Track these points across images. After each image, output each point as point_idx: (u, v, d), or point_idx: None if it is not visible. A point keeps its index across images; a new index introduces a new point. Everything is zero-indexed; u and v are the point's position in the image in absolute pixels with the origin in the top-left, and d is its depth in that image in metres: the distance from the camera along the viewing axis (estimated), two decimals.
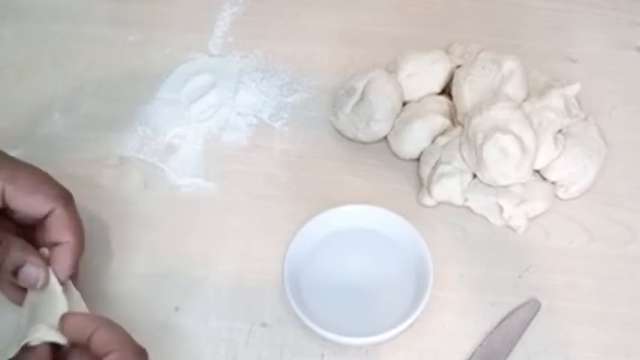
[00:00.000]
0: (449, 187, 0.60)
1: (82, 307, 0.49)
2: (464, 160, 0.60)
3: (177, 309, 0.56)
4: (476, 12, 0.77)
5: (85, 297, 0.51)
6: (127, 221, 0.60)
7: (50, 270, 0.49)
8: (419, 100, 0.66)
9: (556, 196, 0.61)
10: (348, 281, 0.55)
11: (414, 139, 0.63)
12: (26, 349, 0.43)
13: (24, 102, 0.69)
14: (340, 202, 0.58)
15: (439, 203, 0.61)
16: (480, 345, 0.53)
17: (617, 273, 0.58)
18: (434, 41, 0.70)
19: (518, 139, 0.57)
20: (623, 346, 0.54)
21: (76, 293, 0.50)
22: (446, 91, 0.66)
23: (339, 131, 0.66)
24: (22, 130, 0.67)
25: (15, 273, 0.48)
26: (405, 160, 0.64)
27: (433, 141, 0.63)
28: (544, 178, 0.61)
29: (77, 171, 0.64)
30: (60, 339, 0.44)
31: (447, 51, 0.69)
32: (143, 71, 0.71)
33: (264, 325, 0.55)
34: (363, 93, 0.64)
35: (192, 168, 0.64)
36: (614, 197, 0.62)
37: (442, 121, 0.63)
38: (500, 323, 0.55)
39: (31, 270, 0.48)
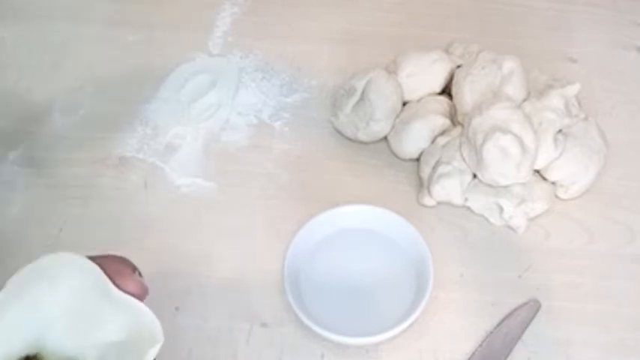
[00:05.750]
0: (449, 187, 0.60)
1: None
2: (464, 160, 0.60)
3: (177, 309, 0.56)
4: (476, 12, 0.77)
5: None
6: (127, 221, 0.60)
7: None
8: (419, 100, 0.66)
9: (556, 196, 0.61)
10: (348, 281, 0.55)
11: (414, 139, 0.63)
12: None
13: (24, 102, 0.69)
14: (340, 202, 0.58)
15: (439, 203, 0.61)
16: (480, 345, 0.53)
17: (617, 273, 0.58)
18: (434, 41, 0.70)
19: (518, 139, 0.57)
20: (623, 346, 0.54)
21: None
22: (446, 91, 0.66)
23: (339, 131, 0.66)
24: (22, 130, 0.67)
25: None
26: (405, 160, 0.64)
27: (433, 141, 0.63)
28: (544, 178, 0.61)
29: (77, 171, 0.64)
30: None
31: (447, 51, 0.69)
32: (143, 71, 0.71)
33: (264, 325, 0.55)
34: (363, 93, 0.64)
35: (192, 168, 0.64)
36: (614, 197, 0.62)
37: (442, 121, 0.63)
38: (500, 323, 0.55)
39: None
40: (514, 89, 0.62)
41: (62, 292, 0.38)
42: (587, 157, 0.60)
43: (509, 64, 0.62)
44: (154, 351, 0.37)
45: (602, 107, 0.67)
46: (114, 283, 0.38)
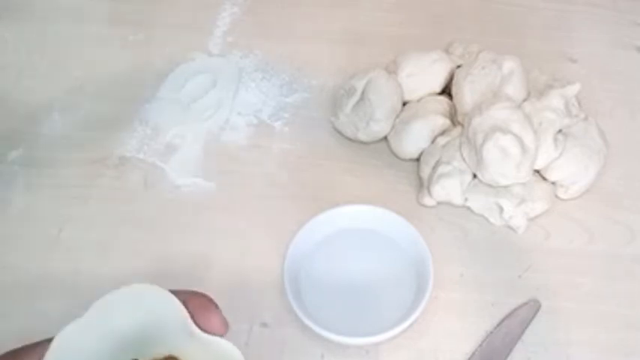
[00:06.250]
0: (449, 187, 0.60)
1: None
2: (464, 160, 0.60)
3: None
4: (476, 12, 0.77)
5: (85, 298, 0.50)
6: (127, 221, 0.60)
7: None
8: (419, 100, 0.66)
9: (556, 196, 0.61)
10: (348, 281, 0.55)
11: (414, 139, 0.63)
12: None
13: (24, 102, 0.69)
14: (340, 202, 0.58)
15: (439, 203, 0.61)
16: (480, 345, 0.53)
17: (617, 273, 0.58)
18: (434, 41, 0.70)
19: (519, 139, 0.57)
20: (623, 346, 0.54)
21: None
22: (446, 91, 0.66)
23: (339, 131, 0.66)
24: (22, 130, 0.67)
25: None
26: (405, 160, 0.64)
27: (433, 141, 0.63)
28: (544, 178, 0.61)
29: (77, 171, 0.64)
30: None
31: (447, 51, 0.69)
32: (143, 71, 0.71)
33: (264, 325, 0.55)
34: (363, 93, 0.64)
35: (192, 168, 0.64)
36: (614, 197, 0.62)
37: (442, 121, 0.63)
38: (500, 323, 0.55)
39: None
40: (514, 89, 0.62)
41: (143, 325, 0.37)
42: (587, 157, 0.60)
43: (509, 64, 0.62)
44: None
45: (602, 107, 0.67)
46: (197, 317, 0.37)
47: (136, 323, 0.37)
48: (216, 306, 0.39)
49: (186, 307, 0.37)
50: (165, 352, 0.37)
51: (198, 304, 0.38)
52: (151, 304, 0.37)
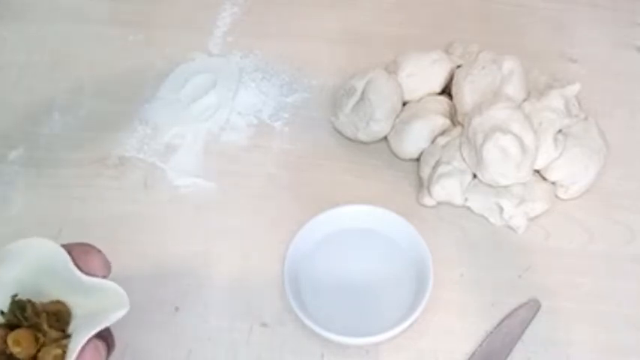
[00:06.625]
0: (449, 187, 0.60)
1: None
2: (464, 160, 0.60)
3: (177, 309, 0.56)
4: (476, 12, 0.77)
5: None
6: (127, 221, 0.60)
7: None
8: (419, 100, 0.66)
9: (556, 196, 0.61)
10: (348, 281, 0.55)
11: (414, 139, 0.63)
12: None
13: (24, 102, 0.69)
14: (340, 202, 0.58)
15: (439, 203, 0.61)
16: (480, 345, 0.53)
17: (617, 273, 0.58)
18: (434, 41, 0.70)
19: (519, 139, 0.57)
20: (623, 346, 0.54)
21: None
22: (446, 91, 0.66)
23: (339, 131, 0.66)
24: (22, 130, 0.67)
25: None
26: (405, 160, 0.64)
27: (433, 141, 0.63)
28: (544, 178, 0.61)
29: (77, 171, 0.64)
30: None
31: (447, 51, 0.69)
32: (143, 71, 0.71)
33: (264, 325, 0.55)
34: (363, 93, 0.64)
35: (192, 168, 0.64)
36: (614, 197, 0.62)
37: (442, 121, 0.63)
38: (500, 323, 0.55)
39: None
40: (514, 89, 0.62)
41: (30, 276, 0.40)
42: (587, 157, 0.60)
43: (509, 64, 0.62)
44: (116, 315, 0.39)
45: (602, 107, 0.67)
46: (79, 261, 0.41)
47: (22, 275, 0.40)
48: (98, 250, 0.42)
49: (70, 256, 0.40)
50: (53, 298, 0.40)
51: (80, 250, 0.41)
52: (36, 256, 0.40)
